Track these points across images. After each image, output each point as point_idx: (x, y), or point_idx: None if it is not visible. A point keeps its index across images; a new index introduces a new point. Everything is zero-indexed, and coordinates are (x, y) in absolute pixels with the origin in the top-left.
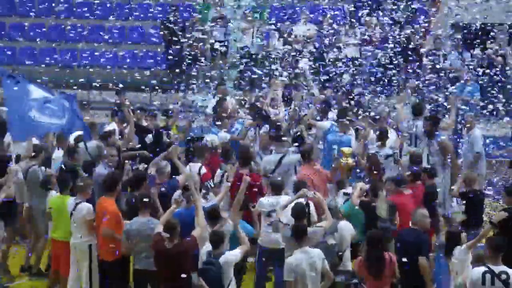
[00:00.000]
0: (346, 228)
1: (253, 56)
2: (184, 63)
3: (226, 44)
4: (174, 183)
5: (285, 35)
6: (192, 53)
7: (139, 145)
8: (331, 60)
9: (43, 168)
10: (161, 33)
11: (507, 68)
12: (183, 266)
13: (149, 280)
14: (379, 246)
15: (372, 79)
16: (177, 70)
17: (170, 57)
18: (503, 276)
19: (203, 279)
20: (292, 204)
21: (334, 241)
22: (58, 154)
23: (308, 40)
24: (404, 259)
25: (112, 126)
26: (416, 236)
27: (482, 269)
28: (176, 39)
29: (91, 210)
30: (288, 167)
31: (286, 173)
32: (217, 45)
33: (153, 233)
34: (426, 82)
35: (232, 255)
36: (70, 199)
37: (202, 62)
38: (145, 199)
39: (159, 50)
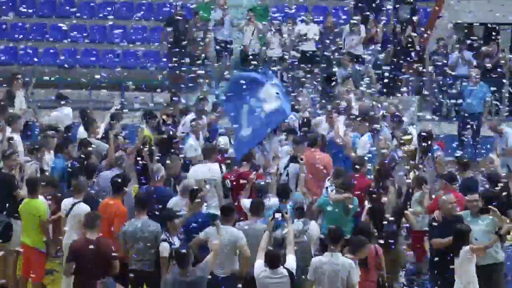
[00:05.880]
0: (314, 229)
1: (253, 56)
2: (188, 63)
3: (229, 45)
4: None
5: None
6: (196, 53)
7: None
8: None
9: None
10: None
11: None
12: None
13: (145, 280)
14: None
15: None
16: (183, 69)
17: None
18: None
19: None
20: None
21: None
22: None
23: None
24: None
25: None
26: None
27: None
28: (179, 39)
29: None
30: None
31: None
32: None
33: (149, 235)
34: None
35: None
36: (66, 200)
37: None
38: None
39: (161, 50)
